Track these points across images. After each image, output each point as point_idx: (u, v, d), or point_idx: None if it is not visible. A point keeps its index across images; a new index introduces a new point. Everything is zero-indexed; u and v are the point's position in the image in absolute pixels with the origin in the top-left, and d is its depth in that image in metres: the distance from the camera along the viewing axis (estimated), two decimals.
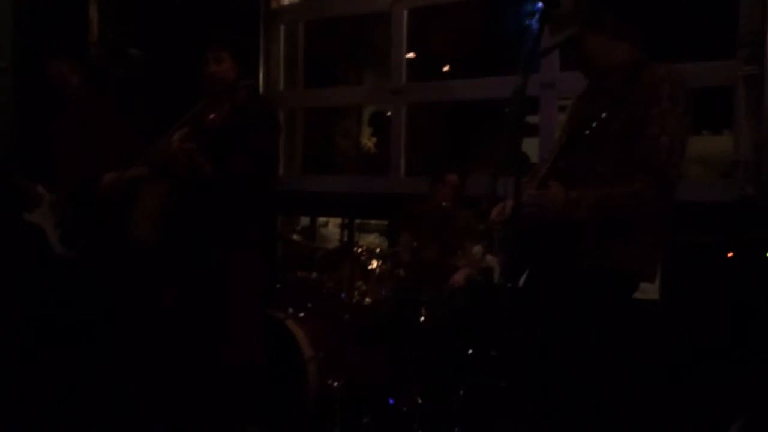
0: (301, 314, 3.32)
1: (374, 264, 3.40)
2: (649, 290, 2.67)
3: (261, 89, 4.66)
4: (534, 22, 2.06)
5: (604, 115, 2.09)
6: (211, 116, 2.75)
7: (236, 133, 2.77)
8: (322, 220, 5.47)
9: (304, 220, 5.24)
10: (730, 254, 2.88)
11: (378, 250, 3.55)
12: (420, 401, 3.07)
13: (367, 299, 3.34)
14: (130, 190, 3.04)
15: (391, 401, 3.12)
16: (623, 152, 2.03)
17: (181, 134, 2.71)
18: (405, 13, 4.24)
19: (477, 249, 3.66)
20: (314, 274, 3.70)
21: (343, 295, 3.34)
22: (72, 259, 3.04)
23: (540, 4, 2.01)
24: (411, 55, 4.40)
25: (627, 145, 2.03)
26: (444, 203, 3.56)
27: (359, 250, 3.43)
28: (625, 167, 2.02)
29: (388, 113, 4.61)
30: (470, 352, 3.11)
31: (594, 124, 2.09)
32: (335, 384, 3.02)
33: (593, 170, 2.06)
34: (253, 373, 2.89)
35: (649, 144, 1.99)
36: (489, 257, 3.55)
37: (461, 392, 3.00)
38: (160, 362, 3.01)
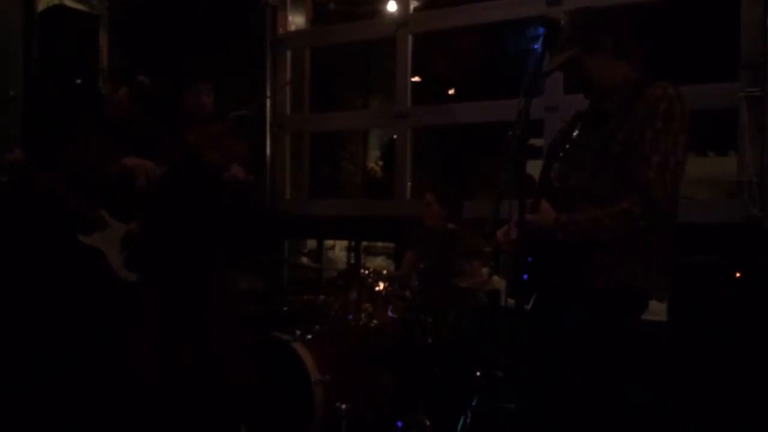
0: (309, 337, 3.33)
1: (381, 286, 3.41)
2: (657, 312, 2.66)
3: (268, 113, 4.73)
4: (537, 46, 2.08)
5: (575, 134, 2.11)
6: (241, 151, 2.89)
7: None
8: (328, 243, 5.50)
9: (311, 243, 5.26)
10: (738, 275, 2.87)
11: (384, 273, 3.56)
12: (428, 423, 3.05)
13: (374, 321, 3.34)
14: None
15: (399, 424, 3.11)
16: (621, 174, 2.04)
17: (239, 168, 2.82)
18: (410, 38, 4.30)
19: (484, 271, 3.67)
20: (321, 297, 3.70)
21: (350, 317, 3.35)
22: (134, 282, 3.06)
23: (542, 29, 2.04)
24: (416, 79, 4.45)
25: (624, 166, 2.04)
26: (450, 225, 3.57)
27: (366, 273, 3.44)
28: (620, 188, 2.03)
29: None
30: (478, 373, 3.10)
31: (567, 146, 2.11)
32: (342, 407, 3.01)
33: (590, 191, 2.07)
34: (247, 393, 2.93)
35: (640, 163, 2.00)
36: (495, 278, 3.55)
37: (469, 415, 2.98)
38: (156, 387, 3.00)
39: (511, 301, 2.14)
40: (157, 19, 4.22)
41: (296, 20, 4.87)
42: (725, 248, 3.07)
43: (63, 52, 3.87)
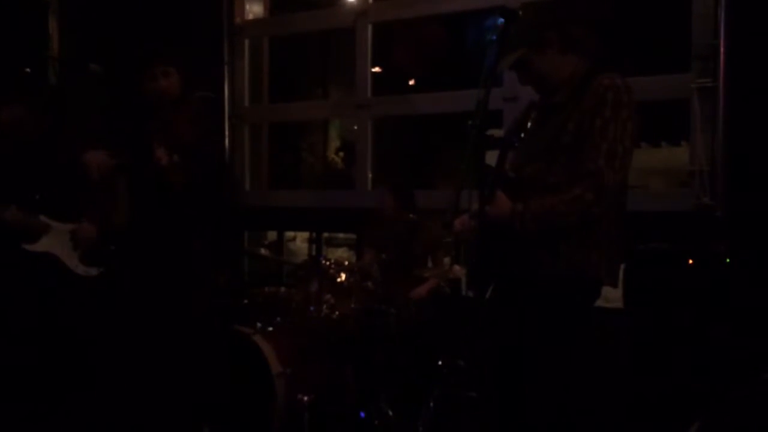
0: (270, 329, 3.30)
1: (342, 277, 3.40)
2: (613, 299, 2.72)
3: (226, 104, 4.66)
4: (495, 37, 2.09)
5: (529, 125, 2.14)
6: (185, 133, 2.77)
7: (199, 147, 2.80)
8: (289, 234, 5.46)
9: (272, 235, 5.21)
10: (691, 262, 2.95)
11: (346, 264, 3.55)
12: (391, 414, 3.07)
13: (336, 313, 3.33)
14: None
15: (362, 415, 3.11)
16: (573, 162, 2.07)
17: (163, 151, 2.70)
18: (369, 27, 4.28)
19: (446, 261, 3.69)
20: (282, 289, 3.68)
21: (311, 309, 3.33)
22: (95, 276, 3.03)
23: (501, 19, 2.05)
24: (376, 69, 4.43)
25: (576, 155, 2.07)
26: (411, 216, 3.58)
27: (327, 264, 3.43)
28: (573, 176, 2.06)
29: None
30: (440, 363, 3.12)
31: (522, 135, 2.14)
32: (305, 399, 3.00)
33: (544, 180, 2.10)
34: (216, 388, 2.89)
35: (590, 151, 2.04)
36: (456, 268, 3.58)
37: (431, 403, 3.00)
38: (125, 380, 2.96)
39: (471, 291, 2.16)
40: (109, 7, 4.11)
41: (254, 9, 4.80)
42: (678, 236, 3.15)
43: (11, 40, 3.75)
